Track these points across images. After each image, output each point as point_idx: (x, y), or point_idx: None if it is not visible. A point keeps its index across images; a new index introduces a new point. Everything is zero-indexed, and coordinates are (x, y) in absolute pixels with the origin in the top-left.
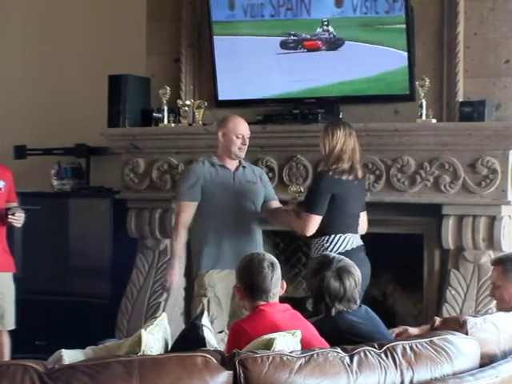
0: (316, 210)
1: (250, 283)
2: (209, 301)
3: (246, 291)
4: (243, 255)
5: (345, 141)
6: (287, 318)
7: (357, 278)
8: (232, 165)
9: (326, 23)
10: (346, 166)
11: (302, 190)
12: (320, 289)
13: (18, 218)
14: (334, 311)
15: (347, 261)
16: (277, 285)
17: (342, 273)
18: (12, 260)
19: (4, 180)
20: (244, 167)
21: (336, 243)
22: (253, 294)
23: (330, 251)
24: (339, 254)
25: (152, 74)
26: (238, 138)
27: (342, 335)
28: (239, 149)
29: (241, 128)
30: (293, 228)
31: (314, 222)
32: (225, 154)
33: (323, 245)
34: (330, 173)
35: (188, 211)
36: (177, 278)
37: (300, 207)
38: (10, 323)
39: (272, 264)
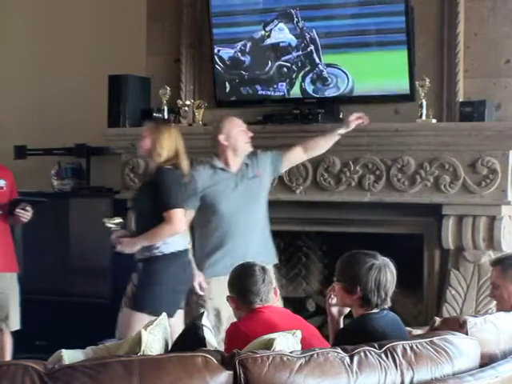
0: None
1: (242, 288)
2: (207, 313)
3: (239, 297)
4: (244, 258)
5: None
6: (285, 318)
7: (395, 276)
8: (236, 163)
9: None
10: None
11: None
12: (365, 276)
13: (26, 213)
14: (373, 303)
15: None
16: (269, 288)
17: (388, 265)
18: (15, 260)
19: (5, 179)
20: (246, 164)
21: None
22: (246, 299)
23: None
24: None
25: (152, 74)
26: (241, 130)
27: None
28: (246, 142)
29: (239, 122)
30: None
31: None
32: (233, 155)
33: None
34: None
35: (183, 218)
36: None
37: None
38: (15, 324)
39: (263, 268)
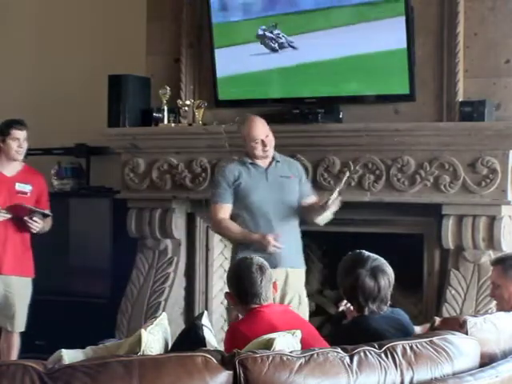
0: None
1: (240, 289)
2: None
3: (237, 297)
4: (279, 255)
5: None
6: (285, 318)
7: (391, 277)
8: (264, 161)
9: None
10: None
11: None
12: (354, 287)
13: (34, 223)
14: (367, 310)
15: (381, 259)
16: (268, 287)
17: (377, 272)
18: (32, 265)
19: (32, 184)
20: (278, 161)
21: None
22: (245, 300)
23: None
24: None
25: (152, 74)
26: (256, 143)
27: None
28: (262, 151)
29: (256, 133)
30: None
31: None
32: (251, 154)
33: None
34: None
35: (222, 213)
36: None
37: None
38: (20, 325)
39: (260, 268)
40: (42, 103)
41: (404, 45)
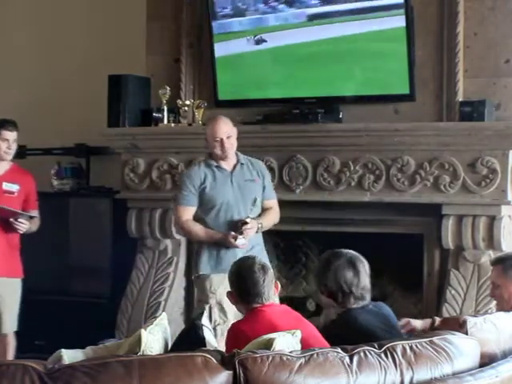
0: None
1: (242, 289)
2: (211, 307)
3: (239, 296)
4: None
5: None
6: (286, 318)
7: (367, 266)
8: (228, 164)
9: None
10: None
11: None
12: (335, 280)
13: (20, 224)
14: (352, 301)
15: (355, 252)
16: (270, 287)
17: (354, 260)
18: (20, 265)
19: (19, 184)
20: (242, 164)
21: None
22: (247, 299)
23: None
24: None
25: (152, 74)
26: (216, 141)
27: (357, 335)
28: (221, 152)
29: (218, 132)
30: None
31: None
32: (213, 155)
33: None
34: None
35: (187, 215)
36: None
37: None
38: (10, 327)
39: (263, 267)
40: (42, 103)
41: (404, 45)
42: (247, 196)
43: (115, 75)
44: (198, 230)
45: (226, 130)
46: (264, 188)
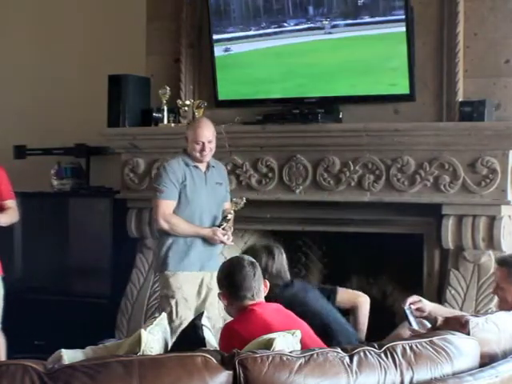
0: None
1: (233, 284)
2: (177, 302)
3: (230, 294)
4: (209, 258)
5: None
6: (279, 317)
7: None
8: (203, 165)
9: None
10: None
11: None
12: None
13: None
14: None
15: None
16: (260, 282)
17: (271, 249)
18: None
19: None
20: (213, 167)
21: None
22: (238, 295)
23: None
24: None
25: (152, 74)
26: (197, 144)
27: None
28: (200, 155)
29: (200, 136)
30: None
31: None
32: (191, 156)
33: None
34: None
35: (170, 209)
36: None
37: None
38: None
39: (252, 263)
40: (42, 103)
41: (404, 44)
42: (218, 198)
43: (115, 75)
44: (185, 224)
45: (209, 135)
46: (226, 191)
